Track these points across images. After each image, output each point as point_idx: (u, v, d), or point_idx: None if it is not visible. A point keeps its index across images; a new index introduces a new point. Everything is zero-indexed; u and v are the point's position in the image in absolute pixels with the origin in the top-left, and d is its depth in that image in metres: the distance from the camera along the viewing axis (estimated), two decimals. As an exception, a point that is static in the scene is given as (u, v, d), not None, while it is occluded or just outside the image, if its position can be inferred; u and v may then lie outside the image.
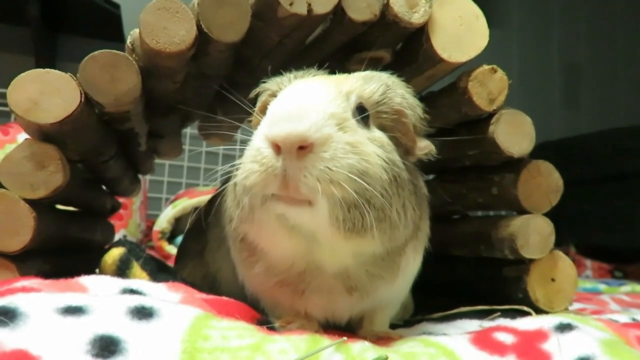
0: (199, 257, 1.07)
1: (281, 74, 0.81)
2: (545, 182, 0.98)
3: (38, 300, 0.58)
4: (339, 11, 0.87)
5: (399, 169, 0.71)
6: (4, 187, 0.79)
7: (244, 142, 0.73)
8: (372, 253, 0.72)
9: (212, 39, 0.82)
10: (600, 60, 4.07)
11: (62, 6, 2.60)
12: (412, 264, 0.82)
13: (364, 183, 0.64)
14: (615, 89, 4.07)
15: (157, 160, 1.55)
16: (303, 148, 0.63)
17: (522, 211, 0.99)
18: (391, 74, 0.80)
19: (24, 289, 0.64)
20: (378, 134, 0.73)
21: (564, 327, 0.73)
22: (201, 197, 2.45)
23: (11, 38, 2.71)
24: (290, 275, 0.74)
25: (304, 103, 0.66)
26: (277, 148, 0.63)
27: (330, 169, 0.63)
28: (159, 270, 0.96)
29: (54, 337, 0.53)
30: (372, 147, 0.69)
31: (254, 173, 0.65)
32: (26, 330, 0.53)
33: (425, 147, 0.78)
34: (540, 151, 0.99)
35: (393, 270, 0.77)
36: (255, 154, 0.66)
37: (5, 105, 0.80)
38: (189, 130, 2.78)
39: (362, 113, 0.72)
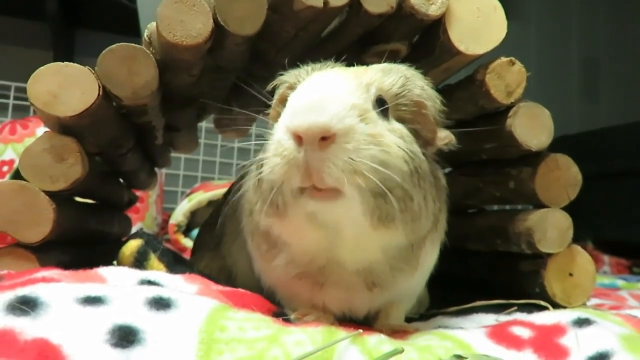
0: (216, 250, 1.08)
1: (297, 67, 0.81)
2: (564, 176, 0.97)
3: (58, 290, 0.59)
4: (355, 3, 0.87)
5: (420, 160, 0.71)
6: (24, 179, 0.81)
7: (260, 136, 0.73)
8: (397, 245, 0.72)
9: (229, 32, 0.82)
10: (620, 53, 4.00)
11: (79, 1, 2.62)
12: (429, 257, 0.82)
13: (386, 172, 0.64)
14: (635, 83, 3.99)
15: (173, 154, 1.56)
16: (325, 139, 0.62)
17: (540, 205, 0.97)
18: (409, 66, 0.79)
19: (44, 279, 0.65)
20: (397, 125, 0.73)
21: (582, 322, 0.73)
22: (216, 191, 2.46)
23: (29, 33, 2.75)
24: (310, 269, 0.74)
25: (325, 94, 0.65)
26: (299, 139, 0.63)
27: (353, 159, 0.63)
28: (175, 263, 0.97)
29: (74, 326, 0.54)
30: (393, 138, 0.68)
31: (277, 166, 0.65)
32: (47, 319, 0.54)
33: (445, 137, 0.77)
34: (558, 145, 0.98)
35: (413, 262, 0.77)
36: (277, 146, 0.66)
37: (24, 99, 0.81)
38: (205, 124, 2.82)
39: (382, 105, 0.72)
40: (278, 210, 0.68)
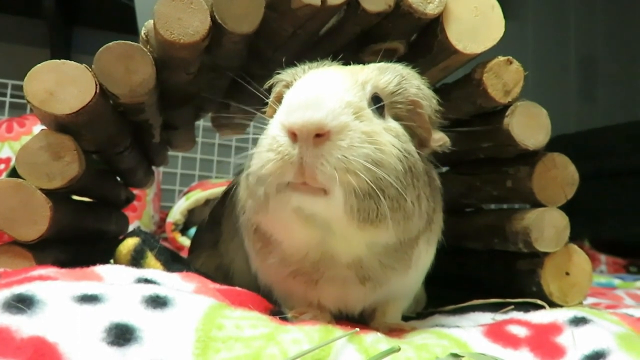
0: (213, 248, 1.08)
1: (295, 65, 0.81)
2: (561, 175, 0.97)
3: (55, 288, 0.59)
4: (353, 2, 0.87)
5: (414, 159, 0.71)
6: (21, 177, 0.80)
7: (257, 135, 0.73)
8: (385, 243, 0.72)
9: (226, 30, 0.82)
10: (618, 52, 4.01)
11: (76, -1, 2.62)
12: (424, 256, 0.82)
13: (379, 172, 0.64)
14: (632, 82, 4.01)
15: (170, 153, 1.56)
16: (320, 136, 0.62)
17: (537, 204, 0.98)
18: (405, 65, 0.79)
19: (41, 278, 0.65)
20: (393, 124, 0.73)
21: (578, 321, 0.73)
22: (214, 189, 2.46)
23: (27, 31, 2.74)
24: (305, 265, 0.74)
25: (321, 91, 0.65)
26: (294, 136, 0.63)
27: (347, 157, 0.63)
28: (172, 261, 0.97)
29: (71, 324, 0.53)
30: (388, 137, 0.68)
31: (270, 161, 0.65)
32: (43, 317, 0.54)
33: (439, 139, 0.77)
34: (555, 144, 0.98)
35: (405, 261, 0.77)
36: (271, 142, 0.66)
37: (21, 97, 0.81)
38: (202, 123, 2.82)
39: (377, 103, 0.72)
40: (261, 205, 0.69)
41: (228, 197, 0.92)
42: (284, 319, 0.69)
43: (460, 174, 1.16)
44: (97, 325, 0.54)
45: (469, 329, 0.73)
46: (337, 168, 0.62)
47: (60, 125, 0.82)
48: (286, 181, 0.65)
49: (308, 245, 0.72)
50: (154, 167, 1.54)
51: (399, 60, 0.81)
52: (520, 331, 0.72)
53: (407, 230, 0.72)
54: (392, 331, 0.76)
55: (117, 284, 0.65)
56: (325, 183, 0.63)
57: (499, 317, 0.87)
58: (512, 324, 0.75)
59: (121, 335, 0.54)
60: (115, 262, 0.95)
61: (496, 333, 0.71)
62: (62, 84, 0.79)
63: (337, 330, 0.63)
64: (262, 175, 0.66)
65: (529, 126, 0.94)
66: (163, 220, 2.60)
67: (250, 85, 0.84)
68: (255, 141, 0.73)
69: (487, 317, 0.88)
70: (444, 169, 1.22)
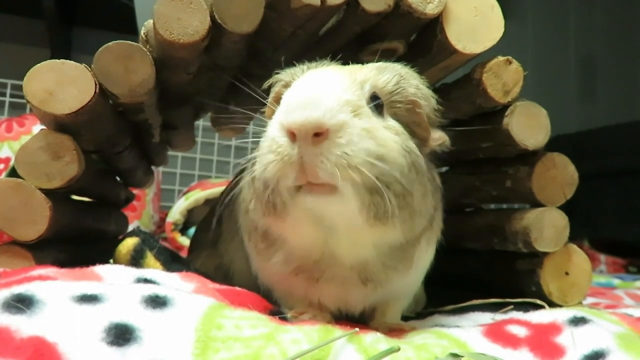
0: (213, 248, 1.08)
1: (294, 65, 0.81)
2: (560, 175, 0.97)
3: (54, 288, 0.59)
4: (352, 2, 0.87)
5: (417, 155, 0.71)
6: (20, 177, 0.80)
7: (257, 135, 0.73)
8: (391, 243, 0.72)
9: (226, 30, 0.82)
10: (618, 52, 4.01)
11: (76, -1, 2.62)
12: (425, 256, 0.82)
13: (382, 166, 0.64)
14: (632, 82, 4.01)
15: (170, 153, 1.56)
16: (319, 135, 0.62)
17: (537, 204, 0.98)
18: (405, 65, 0.79)
19: (40, 277, 0.65)
20: (392, 122, 0.73)
21: (578, 321, 0.73)
22: (214, 189, 2.46)
23: (27, 30, 2.74)
24: (306, 263, 0.74)
25: (319, 90, 0.65)
26: (293, 136, 0.63)
27: (347, 153, 0.62)
28: (172, 261, 0.97)
29: (70, 324, 0.53)
30: (388, 134, 0.68)
31: (271, 163, 0.65)
32: (43, 317, 0.54)
33: (439, 138, 0.77)
34: (555, 144, 0.98)
35: (407, 261, 0.77)
36: (271, 144, 0.65)
37: (21, 96, 0.81)
38: (202, 123, 2.83)
39: (376, 103, 0.72)
40: (276, 210, 0.68)
41: (228, 197, 0.92)
42: (284, 319, 0.69)
43: (459, 174, 1.16)
44: (97, 325, 0.54)
45: (468, 329, 0.73)
46: (338, 165, 0.62)
47: (60, 125, 0.82)
48: (291, 184, 0.65)
49: (314, 243, 0.72)
50: (153, 167, 1.54)
51: (399, 60, 0.81)
52: (519, 331, 0.72)
53: (414, 227, 0.72)
54: (392, 331, 0.76)
55: (117, 284, 0.65)
56: (329, 180, 0.63)
57: (499, 317, 0.87)
58: (512, 323, 0.75)
59: (121, 335, 0.53)
60: (115, 262, 0.95)
61: (496, 333, 0.71)
62: (61, 83, 0.79)
63: (337, 330, 0.63)
64: (266, 178, 0.66)
65: (529, 126, 0.94)
66: (163, 220, 2.60)
67: (249, 85, 0.84)
68: (254, 140, 0.73)
69: (487, 317, 0.88)
70: (444, 169, 1.22)
